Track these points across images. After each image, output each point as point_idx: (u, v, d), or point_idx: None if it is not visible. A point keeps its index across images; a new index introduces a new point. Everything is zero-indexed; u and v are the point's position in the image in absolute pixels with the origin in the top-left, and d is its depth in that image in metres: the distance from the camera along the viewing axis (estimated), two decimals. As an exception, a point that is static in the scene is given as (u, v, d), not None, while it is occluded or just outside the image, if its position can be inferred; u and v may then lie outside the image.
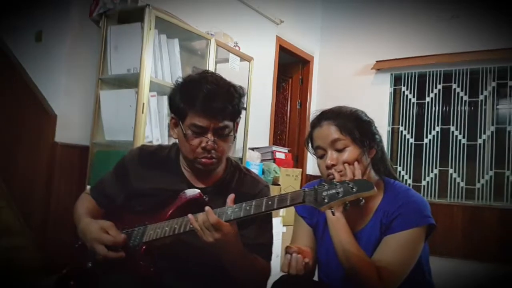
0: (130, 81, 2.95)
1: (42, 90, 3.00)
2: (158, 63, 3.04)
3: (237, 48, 3.74)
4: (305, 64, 5.66)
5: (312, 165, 5.56)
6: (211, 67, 3.33)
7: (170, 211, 1.34)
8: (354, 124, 1.36)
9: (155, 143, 2.97)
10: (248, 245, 1.36)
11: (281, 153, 4.56)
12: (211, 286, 1.34)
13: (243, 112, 3.62)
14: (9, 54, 3.15)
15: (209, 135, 1.33)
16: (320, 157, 1.39)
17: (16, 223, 2.91)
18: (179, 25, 3.13)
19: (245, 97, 1.44)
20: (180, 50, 3.33)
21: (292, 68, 5.70)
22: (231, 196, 1.24)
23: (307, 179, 5.48)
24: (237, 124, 1.44)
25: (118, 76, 2.98)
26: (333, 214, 1.28)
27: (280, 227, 3.67)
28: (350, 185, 1.09)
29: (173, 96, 1.38)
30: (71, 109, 2.98)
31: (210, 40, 3.33)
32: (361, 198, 1.10)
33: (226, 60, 3.65)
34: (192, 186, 1.42)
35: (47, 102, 2.95)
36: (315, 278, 1.51)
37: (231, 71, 3.79)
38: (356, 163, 1.33)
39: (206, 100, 1.31)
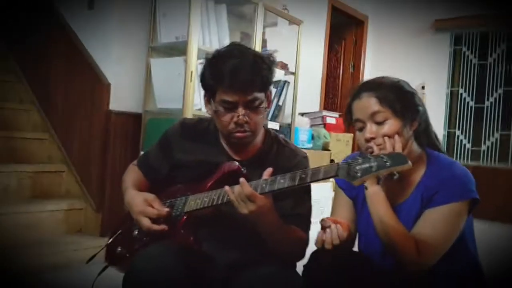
0: (179, 49, 2.98)
1: (96, 59, 3.09)
2: (206, 30, 3.04)
3: (286, 11, 3.66)
4: (358, 24, 5.47)
5: (365, 130, 5.44)
6: (258, 32, 3.29)
7: (210, 183, 1.38)
8: (395, 95, 1.31)
9: (204, 110, 3.00)
10: (285, 216, 1.37)
11: (331, 117, 4.51)
12: (249, 254, 1.37)
13: (292, 77, 3.64)
14: (63, 22, 3.25)
15: (240, 109, 1.33)
16: (360, 129, 1.36)
17: (75, 187, 3.09)
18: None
19: (274, 65, 1.42)
20: (228, 15, 3.31)
21: (345, 29, 5.53)
22: (269, 169, 1.25)
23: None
24: (270, 94, 1.44)
25: (168, 44, 3.02)
26: (366, 188, 1.25)
27: (330, 192, 3.66)
28: (384, 159, 1.06)
29: (202, 73, 1.39)
30: (123, 77, 3.06)
31: (257, 4, 3.27)
32: (395, 173, 1.08)
33: (275, 24, 3.59)
34: (231, 159, 1.44)
35: (101, 71, 3.04)
36: (355, 249, 1.51)
37: (280, 35, 3.74)
38: (396, 136, 1.29)
39: (232, 74, 1.30)
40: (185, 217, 1.36)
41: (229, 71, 1.31)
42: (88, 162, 3.06)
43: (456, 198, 1.27)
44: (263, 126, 1.51)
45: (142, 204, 1.38)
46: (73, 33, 3.21)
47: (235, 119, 1.34)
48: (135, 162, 1.63)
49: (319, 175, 1.14)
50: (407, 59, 5.19)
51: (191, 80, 2.82)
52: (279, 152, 1.48)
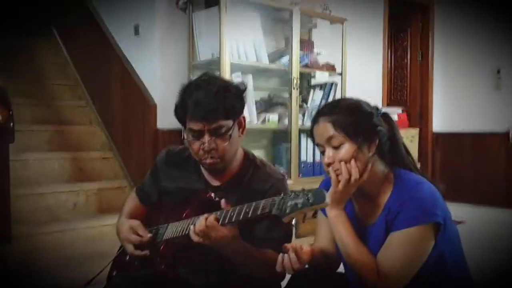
0: (216, 65, 3.09)
1: (143, 80, 3.33)
2: (240, 44, 3.12)
3: (328, 11, 3.60)
4: (423, 10, 5.16)
5: (440, 121, 5.15)
6: (295, 37, 3.29)
7: (186, 211, 1.45)
8: (348, 119, 1.29)
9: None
10: (260, 239, 1.42)
11: (393, 113, 4.33)
12: (224, 279, 1.43)
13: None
14: (117, 49, 3.54)
15: (205, 137, 1.39)
16: (322, 153, 1.35)
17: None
18: (257, 2, 3.14)
19: (242, 93, 1.46)
20: (272, 21, 3.37)
21: (408, 16, 5.25)
22: (222, 201, 1.31)
23: (433, 137, 5.11)
24: (243, 120, 1.49)
25: (206, 61, 3.15)
26: (294, 224, 1.26)
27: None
28: (307, 197, 1.09)
29: (176, 105, 1.47)
30: (168, 96, 3.22)
31: (292, 11, 3.27)
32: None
33: (315, 26, 3.57)
34: (208, 184, 1.52)
35: (148, 92, 3.26)
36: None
37: (324, 37, 3.70)
38: (352, 161, 1.27)
39: (195, 105, 1.38)
40: (162, 245, 1.45)
41: (193, 101, 1.39)
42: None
43: (415, 221, 1.22)
44: (243, 150, 1.56)
45: (127, 231, 1.50)
46: (125, 58, 3.48)
47: (202, 146, 1.41)
48: (135, 188, 1.76)
49: (258, 211, 1.18)
50: (479, 43, 4.80)
51: (225, 95, 2.91)
52: (254, 176, 1.52)
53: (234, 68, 3.01)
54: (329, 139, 1.30)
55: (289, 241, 1.50)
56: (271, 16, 3.45)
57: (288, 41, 3.48)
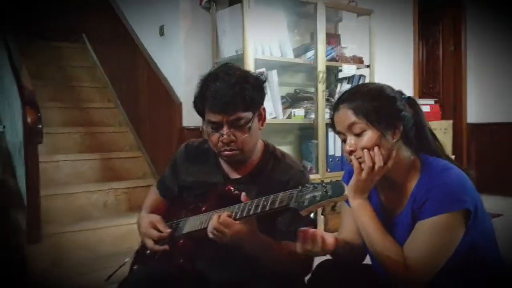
0: (240, 62, 3.07)
1: (168, 80, 3.35)
2: (264, 40, 3.08)
3: (353, 3, 3.53)
4: (457, 2, 5.00)
5: (475, 112, 4.97)
6: (321, 32, 3.23)
7: (205, 205, 1.43)
8: (371, 104, 1.23)
9: (269, 117, 3.05)
10: (281, 232, 1.38)
11: (425, 105, 4.22)
12: (246, 273, 1.40)
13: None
14: (143, 50, 3.57)
15: (224, 129, 1.37)
16: (343, 141, 1.31)
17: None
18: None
19: (262, 84, 1.42)
20: (292, 17, 3.33)
21: (441, 6, 5.10)
22: (243, 194, 1.28)
23: (468, 129, 4.94)
24: (263, 111, 1.45)
25: (230, 58, 3.12)
26: (312, 217, 1.21)
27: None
28: (326, 189, 1.06)
29: (195, 97, 1.45)
30: (192, 95, 3.22)
31: (316, 4, 3.22)
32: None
33: (340, 20, 3.51)
34: (227, 177, 1.49)
35: (173, 91, 3.28)
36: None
37: (350, 29, 3.63)
38: (376, 148, 1.22)
39: (214, 96, 1.35)
40: (181, 240, 1.43)
41: (211, 93, 1.36)
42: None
43: (443, 209, 1.16)
44: (263, 142, 1.53)
45: (147, 226, 1.50)
46: (151, 59, 3.51)
47: (221, 138, 1.38)
48: (156, 182, 1.75)
49: (276, 204, 1.15)
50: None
51: (250, 91, 2.88)
52: (274, 167, 1.48)
53: (258, 64, 2.98)
54: (350, 126, 1.25)
55: None
56: (296, 11, 3.41)
57: (313, 35, 3.42)
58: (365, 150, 1.23)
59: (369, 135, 1.23)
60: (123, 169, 3.61)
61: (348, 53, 3.57)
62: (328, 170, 3.30)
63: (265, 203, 1.18)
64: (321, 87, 3.23)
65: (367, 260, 1.45)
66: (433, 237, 1.17)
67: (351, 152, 1.26)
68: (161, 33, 3.42)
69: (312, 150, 3.34)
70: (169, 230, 1.47)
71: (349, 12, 3.57)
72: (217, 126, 1.38)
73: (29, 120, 2.51)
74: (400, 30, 4.40)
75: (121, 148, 3.80)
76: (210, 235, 1.26)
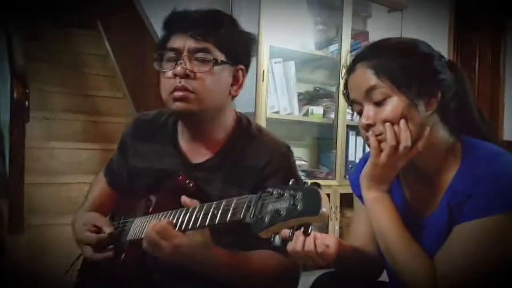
0: (255, 49, 2.79)
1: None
2: (283, 27, 2.80)
3: (385, -4, 3.22)
4: (497, 8, 4.62)
5: (511, 130, 4.56)
6: (347, 22, 2.92)
7: (153, 202, 1.10)
8: (399, 61, 0.92)
9: (283, 113, 2.77)
10: (255, 236, 1.06)
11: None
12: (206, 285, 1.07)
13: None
14: (153, 34, 3.33)
15: (183, 56, 1.06)
16: (359, 114, 0.99)
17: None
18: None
19: (249, 38, 1.14)
20: (316, 8, 3.04)
21: (480, 15, 4.73)
22: (184, 197, 0.96)
23: (503, 147, 4.51)
24: (239, 73, 1.13)
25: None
26: (276, 243, 0.81)
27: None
28: (294, 200, 0.69)
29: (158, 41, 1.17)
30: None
31: (344, -8, 2.92)
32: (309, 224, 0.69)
33: (369, 16, 3.21)
34: (187, 162, 1.16)
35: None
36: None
37: (379, 26, 3.32)
38: (402, 122, 0.90)
39: (181, 18, 1.09)
40: (126, 248, 1.10)
41: (181, 14, 1.11)
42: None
43: (494, 208, 0.83)
44: (236, 113, 1.20)
45: (81, 229, 1.16)
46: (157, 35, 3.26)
47: (174, 70, 1.06)
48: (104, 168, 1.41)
49: (226, 217, 0.81)
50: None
51: (263, 80, 2.60)
52: (247, 147, 1.14)
53: (274, 52, 2.69)
54: (369, 91, 0.93)
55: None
56: (320, 2, 3.11)
57: (339, 29, 3.12)
58: (388, 124, 0.91)
59: (394, 104, 0.91)
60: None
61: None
62: (346, 176, 2.96)
63: (215, 212, 0.84)
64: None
65: (384, 277, 1.13)
66: (478, 246, 0.84)
67: (368, 127, 0.94)
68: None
69: (329, 154, 3.02)
70: (110, 230, 1.13)
71: (380, 6, 3.25)
72: (175, 57, 1.07)
73: (15, 95, 2.27)
74: (435, 33, 4.05)
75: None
76: (147, 249, 0.94)
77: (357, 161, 3.04)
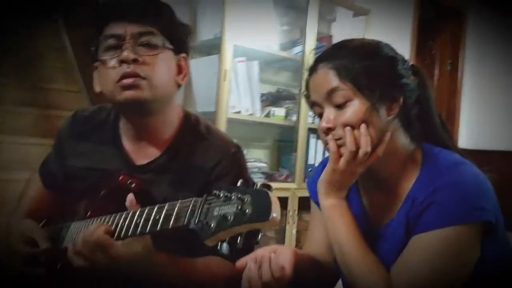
0: (218, 47, 2.73)
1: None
2: (247, 27, 2.74)
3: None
4: (456, 16, 4.73)
5: (467, 137, 4.67)
6: (312, 26, 2.90)
7: (92, 205, 1.02)
8: (362, 63, 0.88)
9: (244, 113, 2.71)
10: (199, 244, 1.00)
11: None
12: None
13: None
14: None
15: (126, 42, 0.99)
16: (319, 116, 0.95)
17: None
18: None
19: (189, 29, 1.11)
20: (281, 8, 3.00)
21: (440, 22, 4.83)
22: (129, 197, 0.88)
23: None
24: (182, 62, 1.09)
25: (207, 41, 2.77)
26: (224, 251, 0.76)
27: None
28: (242, 204, 0.63)
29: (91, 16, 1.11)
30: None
31: (309, -7, 2.89)
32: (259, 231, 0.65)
33: (334, 20, 3.20)
34: (130, 163, 1.08)
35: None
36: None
37: (344, 30, 3.32)
38: (362, 126, 0.86)
39: (119, 3, 1.04)
40: (62, 256, 0.99)
41: (118, 2, 1.05)
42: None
43: (454, 219, 0.80)
44: (183, 110, 1.14)
45: (15, 240, 1.05)
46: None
47: (119, 57, 0.99)
48: (38, 167, 1.30)
49: (169, 222, 0.74)
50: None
51: (225, 80, 2.54)
52: (195, 147, 1.08)
53: (238, 51, 2.63)
54: (330, 93, 0.89)
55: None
56: (286, 2, 3.08)
57: (303, 31, 3.09)
58: (348, 128, 0.87)
59: (355, 107, 0.87)
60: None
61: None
62: (306, 180, 2.94)
63: (157, 217, 0.77)
64: (306, 86, 2.88)
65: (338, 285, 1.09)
66: (436, 258, 0.81)
67: (328, 130, 0.90)
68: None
69: (289, 157, 2.99)
70: (45, 245, 1.02)
71: (345, 11, 3.25)
72: (116, 44, 1.00)
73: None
74: (397, 39, 4.09)
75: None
76: (76, 262, 0.86)
77: (317, 164, 3.03)
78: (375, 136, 0.87)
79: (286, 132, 3.04)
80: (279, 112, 2.86)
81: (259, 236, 0.65)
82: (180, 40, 1.07)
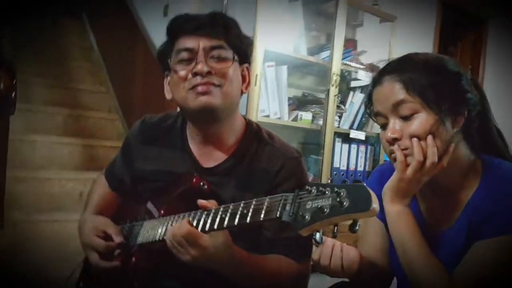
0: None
1: (169, 66, 3.04)
2: (277, 32, 2.79)
3: (376, 6, 3.26)
4: (478, 24, 4.75)
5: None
6: (340, 32, 2.94)
7: (165, 205, 1.08)
8: (429, 78, 0.93)
9: (273, 117, 2.76)
10: (269, 241, 1.07)
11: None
12: None
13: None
14: (144, 32, 3.28)
15: (199, 55, 1.06)
16: (383, 126, 1.00)
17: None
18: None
19: (249, 39, 1.18)
20: (314, 15, 3.07)
21: (462, 29, 4.84)
22: (200, 201, 0.94)
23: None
24: (246, 72, 1.16)
25: (237, 47, 2.83)
26: (318, 240, 0.84)
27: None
28: (340, 197, 0.68)
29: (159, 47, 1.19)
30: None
31: (338, 0, 2.94)
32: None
33: (361, 24, 3.24)
34: (198, 166, 1.14)
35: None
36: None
37: (373, 36, 3.35)
38: (429, 138, 0.91)
39: (191, 19, 1.10)
40: (136, 252, 1.08)
41: (186, 17, 1.12)
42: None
43: None
44: (245, 118, 1.20)
45: (90, 232, 1.13)
46: (151, 42, 3.20)
47: (194, 69, 1.05)
48: (104, 170, 1.37)
49: (260, 215, 0.80)
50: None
51: (255, 84, 2.59)
52: (259, 152, 1.14)
53: (268, 56, 2.68)
54: (397, 105, 0.94)
55: (307, 241, 1.08)
56: (315, 9, 3.13)
57: (330, 36, 3.14)
58: (415, 139, 0.92)
59: (423, 119, 0.92)
60: (107, 160, 3.25)
61: (364, 60, 3.29)
62: (330, 182, 2.98)
63: (244, 211, 0.83)
64: (334, 91, 2.93)
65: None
66: (499, 262, 0.85)
67: (394, 141, 0.95)
68: (165, 13, 3.13)
69: (314, 160, 3.03)
70: (119, 240, 1.10)
71: (371, 17, 3.29)
72: (189, 57, 1.07)
73: (2, 86, 2.19)
74: (420, 45, 4.12)
75: (108, 136, 3.46)
76: (171, 249, 0.93)
77: (342, 168, 3.07)
78: (441, 147, 0.91)
79: (312, 135, 3.08)
80: (306, 116, 2.91)
81: (357, 226, 0.71)
82: (244, 52, 1.14)
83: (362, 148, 3.15)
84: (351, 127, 3.12)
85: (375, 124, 3.21)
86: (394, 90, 0.94)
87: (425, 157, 0.90)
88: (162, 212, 1.06)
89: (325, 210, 0.69)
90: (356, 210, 0.67)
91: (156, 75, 3.01)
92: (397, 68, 0.96)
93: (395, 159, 0.94)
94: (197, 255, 0.90)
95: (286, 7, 2.84)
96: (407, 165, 0.92)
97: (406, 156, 0.92)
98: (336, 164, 3.05)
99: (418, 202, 1.05)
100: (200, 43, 1.06)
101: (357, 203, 0.67)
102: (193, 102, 1.06)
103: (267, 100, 2.73)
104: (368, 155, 3.18)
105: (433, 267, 0.91)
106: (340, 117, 3.11)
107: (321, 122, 2.97)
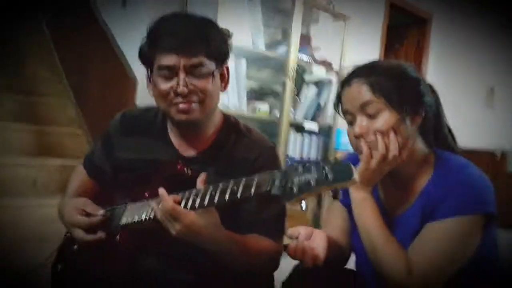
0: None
1: (127, 55, 3.02)
2: (236, 24, 2.87)
3: (331, 6, 3.41)
4: (421, 23, 5.05)
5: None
6: (296, 28, 3.06)
7: (149, 190, 1.13)
8: (392, 82, 1.06)
9: (233, 109, 2.85)
10: (248, 221, 1.16)
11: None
12: (208, 271, 1.15)
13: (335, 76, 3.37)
14: (100, 19, 3.25)
15: (180, 75, 1.10)
16: (350, 123, 1.12)
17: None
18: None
19: (228, 36, 1.19)
20: (269, 11, 3.15)
21: (406, 28, 5.13)
22: (201, 176, 1.02)
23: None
24: (227, 71, 1.22)
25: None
26: (303, 208, 1.00)
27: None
28: (325, 171, 0.78)
29: (141, 44, 1.19)
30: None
31: (295, -1, 3.05)
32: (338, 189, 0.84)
33: (317, 21, 3.37)
34: (179, 155, 1.22)
35: (130, 67, 2.97)
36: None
37: (326, 33, 3.50)
38: (392, 134, 1.04)
39: (171, 33, 1.10)
40: (120, 232, 1.14)
41: (167, 30, 1.12)
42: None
43: (464, 210, 1.00)
44: (222, 112, 1.28)
45: (72, 212, 1.18)
46: (108, 29, 3.18)
47: (175, 87, 1.10)
48: (83, 160, 1.42)
49: (251, 189, 0.87)
50: (474, 60, 4.72)
51: (216, 76, 2.66)
52: (237, 143, 1.23)
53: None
54: (364, 105, 1.07)
55: (283, 222, 1.23)
56: (272, 5, 3.23)
57: (286, 32, 3.26)
58: (379, 135, 1.05)
59: (386, 117, 1.05)
60: (58, 146, 3.23)
61: (317, 56, 3.44)
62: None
63: (235, 187, 0.90)
64: (290, 84, 3.05)
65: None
66: (447, 242, 1.01)
67: (360, 136, 1.07)
68: (123, 4, 3.11)
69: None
70: (101, 212, 1.17)
71: (325, 15, 3.43)
72: (170, 73, 1.11)
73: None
74: (369, 44, 4.35)
75: (60, 122, 3.41)
76: (163, 223, 1.01)
77: (295, 156, 3.21)
78: (401, 142, 1.05)
79: (268, 126, 3.20)
80: (263, 107, 3.02)
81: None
82: (224, 54, 1.18)
83: (314, 138, 3.32)
84: (305, 119, 3.27)
85: (326, 116, 3.36)
86: (361, 91, 1.07)
87: (387, 151, 1.03)
88: (146, 195, 1.12)
89: (312, 182, 0.78)
90: (340, 180, 0.77)
91: (113, 61, 3.01)
92: (365, 72, 1.09)
93: (361, 152, 1.07)
94: (183, 231, 0.98)
95: (245, 5, 2.92)
96: (372, 157, 1.05)
97: (371, 149, 1.05)
98: (290, 153, 3.19)
99: (379, 190, 1.19)
100: (181, 62, 1.09)
101: (341, 175, 0.77)
102: (175, 115, 1.14)
103: (226, 92, 2.79)
104: (320, 145, 3.35)
105: (393, 246, 1.04)
106: (294, 108, 3.24)
107: (275, 114, 3.09)
